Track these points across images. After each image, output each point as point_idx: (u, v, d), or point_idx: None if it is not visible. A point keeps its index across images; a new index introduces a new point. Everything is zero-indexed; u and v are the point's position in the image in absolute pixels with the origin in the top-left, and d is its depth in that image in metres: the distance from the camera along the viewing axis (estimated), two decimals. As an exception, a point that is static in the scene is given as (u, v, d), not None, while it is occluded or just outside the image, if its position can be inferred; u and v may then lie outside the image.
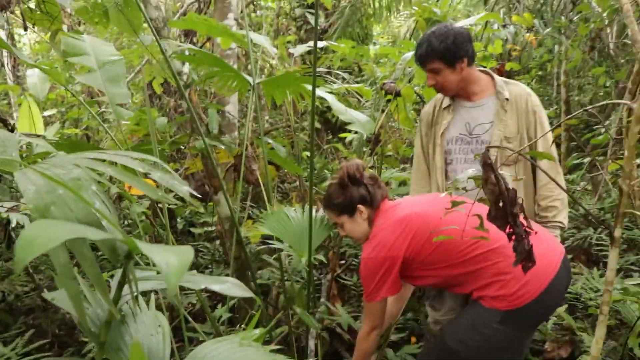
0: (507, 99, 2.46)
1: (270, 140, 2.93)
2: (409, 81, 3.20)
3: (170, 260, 0.73)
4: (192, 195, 1.11)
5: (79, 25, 7.21)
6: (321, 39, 8.32)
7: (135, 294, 1.04)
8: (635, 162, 1.22)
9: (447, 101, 2.61)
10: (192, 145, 2.93)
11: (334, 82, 4.08)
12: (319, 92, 2.49)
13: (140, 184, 1.06)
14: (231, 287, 1.08)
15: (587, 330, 3.12)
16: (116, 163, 1.17)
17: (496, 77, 2.56)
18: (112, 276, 3.35)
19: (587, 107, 1.23)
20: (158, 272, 1.21)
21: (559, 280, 2.03)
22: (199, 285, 1.08)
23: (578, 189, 6.00)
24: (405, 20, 10.09)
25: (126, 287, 1.12)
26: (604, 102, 1.26)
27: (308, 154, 6.46)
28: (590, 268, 3.96)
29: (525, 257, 1.48)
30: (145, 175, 1.23)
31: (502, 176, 1.43)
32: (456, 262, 2.06)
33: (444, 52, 2.38)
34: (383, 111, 3.21)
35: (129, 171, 1.30)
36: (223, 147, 2.76)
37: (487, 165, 1.43)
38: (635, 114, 1.09)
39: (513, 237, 1.48)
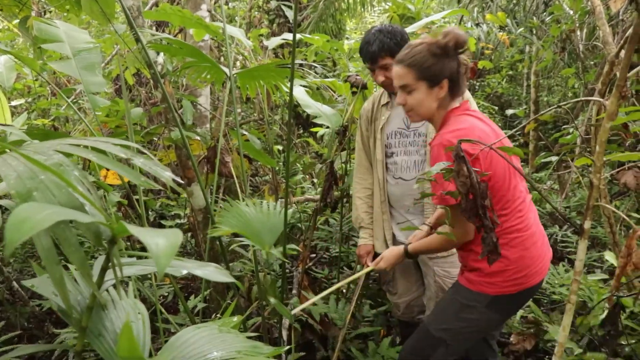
0: None
1: (245, 132, 2.93)
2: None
3: (159, 242, 0.74)
4: (174, 181, 1.11)
5: (45, 13, 7.08)
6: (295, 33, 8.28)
7: (119, 279, 1.04)
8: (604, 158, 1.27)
9: (385, 98, 2.73)
10: (167, 136, 2.91)
11: (309, 75, 4.09)
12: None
13: (124, 169, 1.06)
14: (214, 272, 1.09)
15: (552, 322, 3.21)
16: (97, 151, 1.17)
17: None
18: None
19: (559, 104, 1.26)
20: (139, 258, 1.22)
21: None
22: (181, 271, 1.09)
23: (545, 187, 6.13)
24: (379, 16, 10.14)
25: (107, 273, 1.13)
26: (577, 100, 1.30)
27: (280, 147, 6.47)
28: (556, 264, 4.06)
29: (492, 250, 1.53)
30: (126, 162, 1.23)
31: (473, 169, 1.47)
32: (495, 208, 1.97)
33: (394, 48, 2.46)
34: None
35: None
36: (198, 138, 2.75)
37: (460, 158, 1.47)
38: (607, 110, 1.13)
39: (482, 229, 1.53)
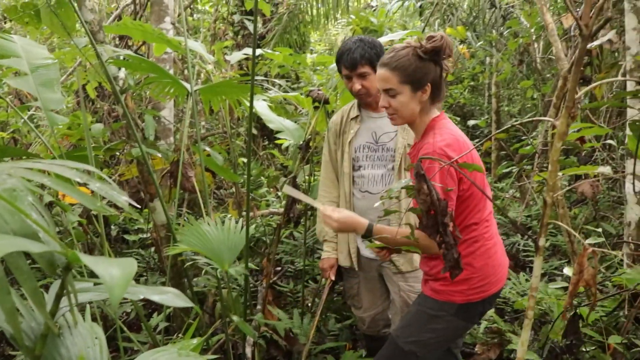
0: None
1: (207, 147, 2.91)
2: (335, 89, 3.28)
3: (113, 273, 0.74)
4: (134, 200, 1.11)
5: (5, 22, 6.94)
6: (259, 46, 8.33)
7: (73, 306, 1.03)
8: (558, 176, 1.30)
9: (354, 112, 2.75)
10: (128, 152, 2.88)
11: (271, 89, 4.10)
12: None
13: (77, 194, 1.05)
14: (172, 297, 1.08)
15: (515, 331, 3.27)
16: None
17: None
18: (44, 286, 3.24)
19: (515, 122, 1.30)
20: (95, 284, 1.20)
21: None
22: (138, 296, 1.07)
23: (507, 196, 6.24)
24: (343, 28, 10.21)
25: (63, 298, 1.11)
26: (529, 119, 1.33)
27: (244, 160, 6.45)
28: (518, 273, 4.13)
29: (454, 265, 1.55)
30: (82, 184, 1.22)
31: (433, 186, 1.49)
32: (465, 217, 2.02)
33: (374, 58, 2.50)
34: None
35: (65, 180, 1.28)
36: (159, 154, 2.73)
37: (420, 176, 1.49)
38: (558, 131, 1.16)
39: (443, 245, 1.55)
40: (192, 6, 7.82)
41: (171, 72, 4.63)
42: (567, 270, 2.93)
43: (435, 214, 1.52)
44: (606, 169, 1.23)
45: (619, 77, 3.57)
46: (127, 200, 1.08)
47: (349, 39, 2.62)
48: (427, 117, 2.06)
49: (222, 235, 2.25)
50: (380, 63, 2.04)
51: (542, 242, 1.22)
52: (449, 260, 1.55)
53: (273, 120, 2.85)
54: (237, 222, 2.43)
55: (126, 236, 4.81)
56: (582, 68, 1.17)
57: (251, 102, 2.14)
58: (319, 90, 3.14)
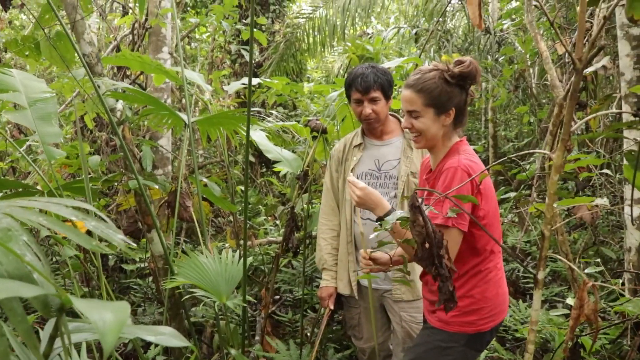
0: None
1: (204, 178, 2.91)
2: (333, 119, 3.29)
3: (106, 318, 0.73)
4: (132, 233, 1.10)
5: (5, 52, 6.99)
6: (256, 73, 8.39)
7: (68, 346, 1.02)
8: (556, 208, 1.30)
9: (357, 139, 2.78)
10: (125, 182, 2.88)
11: (268, 119, 4.11)
12: (251, 131, 2.53)
13: (73, 233, 1.04)
14: (168, 338, 1.07)
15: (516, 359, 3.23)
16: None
17: (402, 118, 2.74)
18: (41, 317, 3.19)
19: (509, 156, 1.30)
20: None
21: None
22: (134, 335, 1.06)
23: (506, 221, 6.23)
24: (340, 55, 10.30)
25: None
26: (525, 152, 1.33)
27: (242, 187, 6.43)
28: (517, 299, 4.10)
29: (449, 298, 1.54)
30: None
31: (428, 219, 1.48)
32: (480, 250, 1.99)
33: (386, 84, 2.58)
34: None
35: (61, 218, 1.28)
36: (157, 186, 2.73)
37: (415, 208, 1.48)
38: (554, 164, 1.16)
39: (438, 278, 1.53)
40: (189, 35, 7.89)
41: (168, 101, 4.66)
42: (570, 301, 2.90)
43: (431, 246, 1.51)
44: (603, 201, 1.22)
45: (614, 110, 3.60)
46: (123, 239, 1.07)
47: (360, 65, 2.65)
48: (448, 142, 2.05)
49: (220, 267, 2.24)
50: (406, 84, 2.02)
51: (541, 275, 1.21)
52: (444, 293, 1.54)
53: (271, 150, 2.86)
54: (234, 253, 2.42)
55: (124, 265, 4.77)
56: (577, 96, 1.17)
57: (247, 132, 2.15)
58: (317, 119, 3.16)
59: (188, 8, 9.57)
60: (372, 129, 2.71)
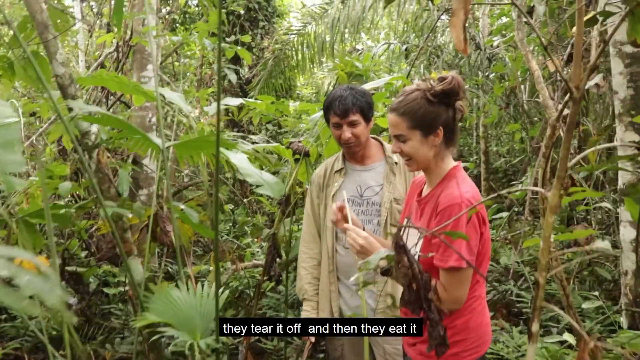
0: (396, 163, 2.56)
1: (181, 205, 2.79)
2: (317, 139, 3.19)
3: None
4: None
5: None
6: (245, 92, 8.29)
7: None
8: (551, 253, 1.18)
9: (339, 164, 2.67)
10: (99, 209, 2.75)
11: (251, 139, 4.00)
12: (229, 154, 2.41)
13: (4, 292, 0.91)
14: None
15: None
16: None
17: (385, 143, 2.67)
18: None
19: (502, 192, 1.19)
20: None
21: None
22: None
23: (498, 239, 6.12)
24: (329, 71, 10.25)
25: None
26: (519, 189, 1.22)
27: (231, 206, 6.31)
28: (511, 322, 3.98)
29: (440, 343, 1.42)
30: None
31: (414, 259, 1.37)
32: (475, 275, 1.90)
33: (365, 106, 2.47)
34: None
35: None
36: (130, 215, 2.60)
37: (400, 248, 1.36)
38: (549, 204, 1.05)
39: (427, 322, 1.42)
40: (178, 51, 7.80)
41: (153, 119, 4.54)
42: (568, 337, 2.78)
43: (418, 289, 1.39)
44: (604, 244, 1.11)
45: (610, 144, 3.51)
46: (61, 297, 0.94)
47: (339, 87, 2.56)
48: (443, 163, 1.94)
49: (194, 301, 2.11)
50: (390, 108, 1.94)
51: (535, 327, 1.09)
52: (434, 338, 1.42)
53: (252, 174, 2.73)
54: (210, 284, 2.29)
55: (106, 289, 4.63)
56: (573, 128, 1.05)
57: (217, 160, 2.03)
58: (299, 142, 3.04)
59: (177, 24, 9.49)
60: (353, 153, 2.60)
